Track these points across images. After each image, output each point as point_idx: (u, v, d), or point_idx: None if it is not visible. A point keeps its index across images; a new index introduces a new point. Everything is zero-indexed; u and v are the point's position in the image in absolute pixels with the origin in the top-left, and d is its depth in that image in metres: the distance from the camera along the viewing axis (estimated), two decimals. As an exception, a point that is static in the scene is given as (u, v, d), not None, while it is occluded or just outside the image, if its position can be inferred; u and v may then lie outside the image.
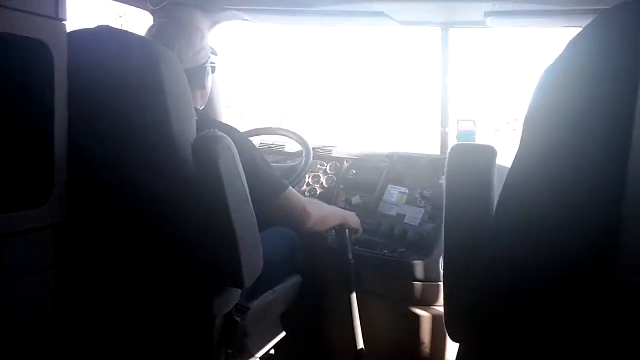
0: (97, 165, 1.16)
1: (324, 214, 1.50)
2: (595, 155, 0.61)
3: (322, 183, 2.11)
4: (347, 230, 1.64)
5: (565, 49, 0.68)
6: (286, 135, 2.00)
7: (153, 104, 1.09)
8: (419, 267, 1.69)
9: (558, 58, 0.68)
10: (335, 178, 2.09)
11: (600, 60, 0.63)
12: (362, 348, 1.69)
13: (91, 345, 1.26)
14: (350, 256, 1.68)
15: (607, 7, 0.65)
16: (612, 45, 0.62)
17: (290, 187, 1.37)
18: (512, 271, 0.76)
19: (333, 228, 1.63)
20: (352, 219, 1.65)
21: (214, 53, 1.48)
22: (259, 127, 2.04)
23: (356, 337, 1.70)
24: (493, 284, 0.80)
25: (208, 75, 1.43)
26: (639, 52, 0.52)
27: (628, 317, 0.55)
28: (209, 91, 1.47)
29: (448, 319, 0.96)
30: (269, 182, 1.32)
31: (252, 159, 1.28)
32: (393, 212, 1.89)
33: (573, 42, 0.67)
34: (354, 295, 1.69)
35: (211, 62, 1.44)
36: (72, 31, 1.08)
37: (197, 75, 1.39)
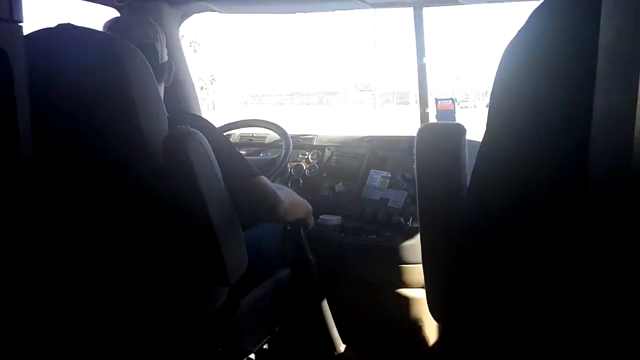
0: (67, 166, 1.14)
1: (295, 202, 1.42)
2: (560, 123, 0.61)
3: (305, 173, 2.10)
4: (301, 228, 1.57)
5: (526, 22, 0.67)
6: (265, 127, 1.98)
7: (119, 99, 1.06)
8: (404, 249, 1.70)
9: (519, 32, 0.67)
10: (317, 167, 2.08)
11: (559, 31, 0.62)
12: (341, 353, 1.71)
13: (81, 344, 1.24)
14: (311, 256, 1.63)
15: None
16: (570, 16, 0.61)
17: (262, 175, 1.28)
18: (488, 248, 0.76)
19: (290, 224, 1.56)
20: (310, 211, 1.52)
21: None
22: (237, 120, 2.01)
23: (333, 339, 1.70)
24: (470, 262, 0.80)
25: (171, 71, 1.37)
26: (596, 21, 0.52)
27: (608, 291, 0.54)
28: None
29: (430, 299, 0.95)
30: (239, 166, 1.26)
31: (220, 147, 1.21)
32: (377, 197, 1.89)
33: (533, 16, 0.67)
34: (324, 300, 1.66)
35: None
36: (31, 32, 1.05)
37: (164, 71, 1.34)
